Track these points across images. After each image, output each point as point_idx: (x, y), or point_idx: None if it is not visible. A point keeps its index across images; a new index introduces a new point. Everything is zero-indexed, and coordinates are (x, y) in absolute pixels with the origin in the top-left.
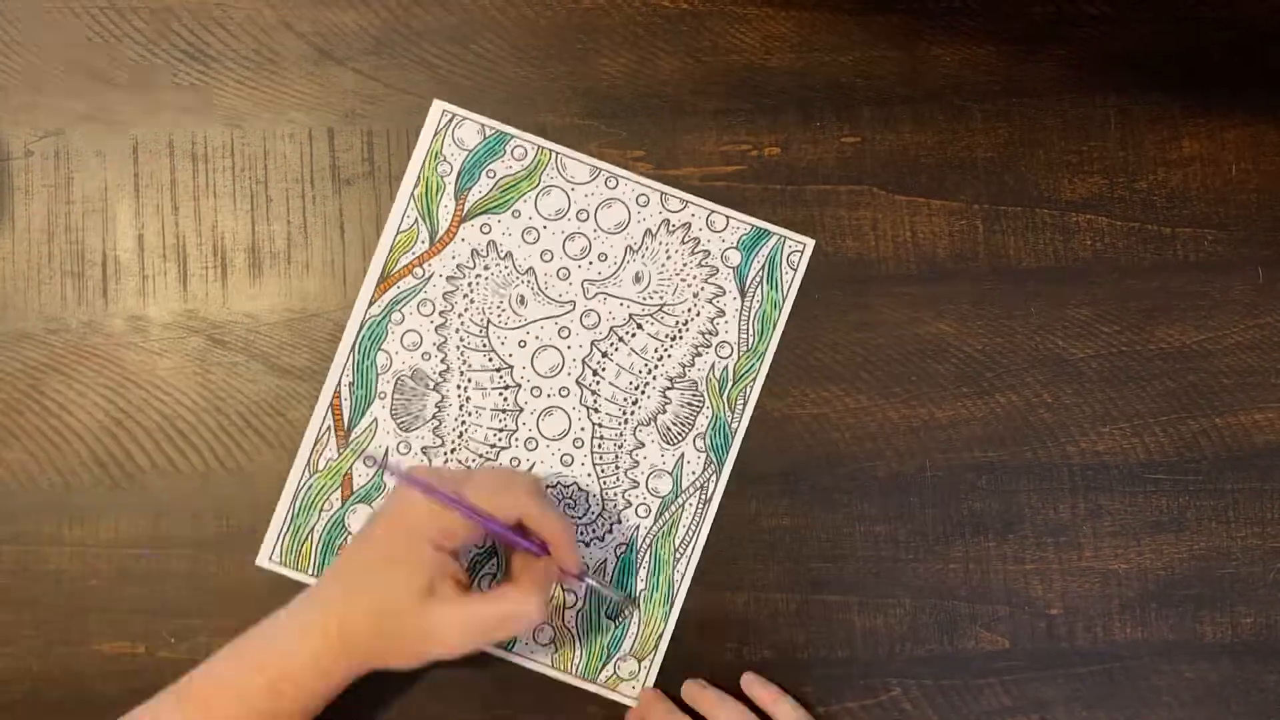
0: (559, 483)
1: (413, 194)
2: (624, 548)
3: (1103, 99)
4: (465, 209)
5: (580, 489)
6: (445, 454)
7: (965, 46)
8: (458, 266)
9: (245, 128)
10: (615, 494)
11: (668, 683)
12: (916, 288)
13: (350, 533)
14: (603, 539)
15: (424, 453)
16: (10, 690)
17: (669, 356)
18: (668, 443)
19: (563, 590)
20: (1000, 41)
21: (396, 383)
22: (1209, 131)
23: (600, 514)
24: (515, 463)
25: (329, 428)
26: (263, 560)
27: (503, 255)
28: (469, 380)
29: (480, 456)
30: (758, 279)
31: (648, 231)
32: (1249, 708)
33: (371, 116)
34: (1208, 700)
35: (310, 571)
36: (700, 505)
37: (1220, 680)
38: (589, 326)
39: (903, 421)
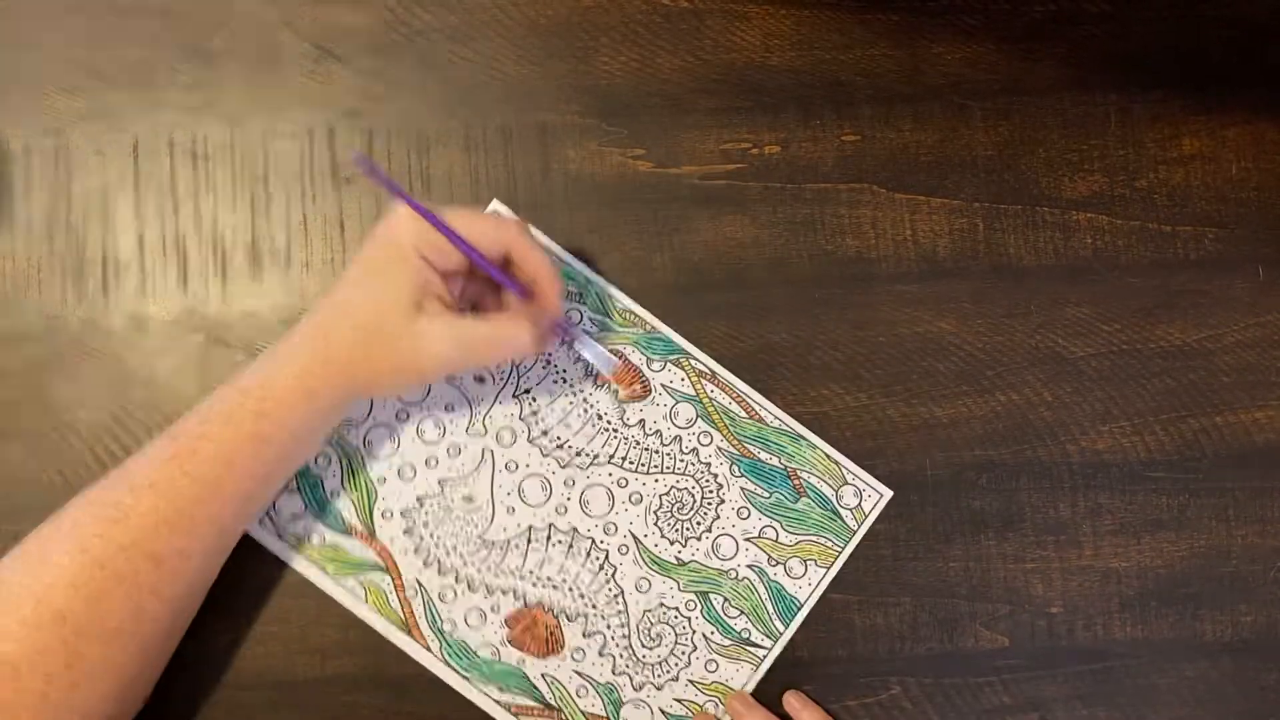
0: (664, 503)
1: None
2: (751, 570)
3: (1103, 97)
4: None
5: (690, 495)
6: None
7: (966, 45)
8: (416, 581)
9: (245, 126)
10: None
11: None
12: (916, 286)
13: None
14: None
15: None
16: None
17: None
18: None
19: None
20: (1000, 40)
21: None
22: (1209, 130)
23: (714, 521)
24: (582, 648)
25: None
26: None
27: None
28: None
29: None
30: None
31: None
32: (1249, 706)
33: (372, 115)
34: (1208, 699)
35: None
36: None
37: (1220, 679)
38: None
39: (903, 420)
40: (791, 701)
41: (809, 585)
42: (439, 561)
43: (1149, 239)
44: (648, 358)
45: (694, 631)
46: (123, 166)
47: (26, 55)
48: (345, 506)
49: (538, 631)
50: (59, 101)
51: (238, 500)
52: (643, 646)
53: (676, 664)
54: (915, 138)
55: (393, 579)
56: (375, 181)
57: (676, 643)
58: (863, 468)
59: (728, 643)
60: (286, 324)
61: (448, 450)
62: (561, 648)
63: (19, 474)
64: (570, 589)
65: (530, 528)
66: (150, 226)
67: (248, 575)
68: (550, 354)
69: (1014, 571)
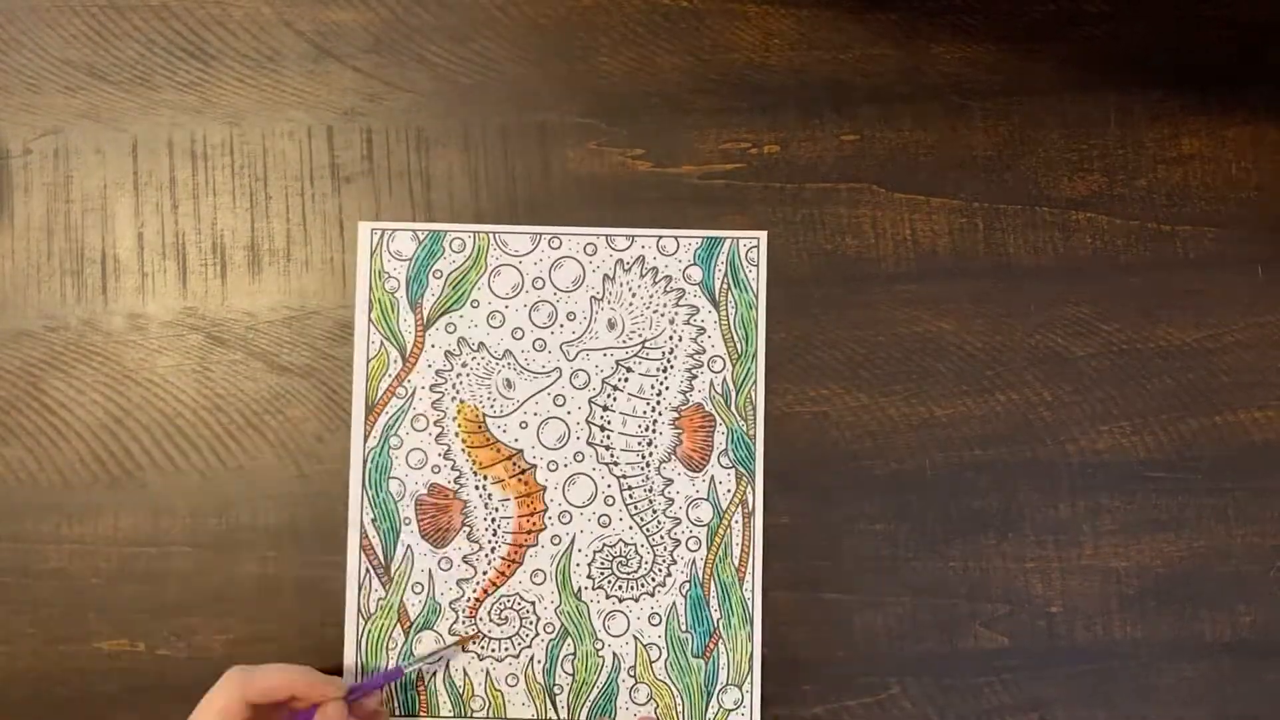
0: (604, 545)
1: (370, 319)
2: (688, 585)
3: (1103, 97)
4: (425, 316)
5: (626, 544)
6: (486, 555)
7: (965, 44)
8: (436, 373)
9: (244, 126)
10: (662, 537)
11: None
12: (916, 286)
13: (418, 657)
14: (664, 584)
15: (465, 561)
16: (10, 689)
17: (667, 388)
18: (694, 470)
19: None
20: (1000, 39)
21: (417, 504)
22: (1209, 129)
23: (654, 562)
24: (556, 540)
25: (367, 570)
26: None
27: (475, 348)
28: (485, 478)
29: (521, 547)
30: (725, 285)
31: (605, 277)
32: (1249, 706)
33: (371, 114)
34: (1207, 698)
35: (399, 712)
36: (745, 518)
37: (1220, 678)
38: (580, 387)
39: (902, 420)
40: None
41: None
42: None
43: (1149, 239)
44: None
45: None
46: (122, 166)
47: (26, 55)
48: None
49: None
50: (59, 101)
51: None
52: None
53: None
54: (915, 137)
55: None
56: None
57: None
58: (863, 468)
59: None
60: (285, 322)
61: None
62: None
63: (19, 474)
64: None
65: None
66: (149, 226)
67: (248, 575)
68: None
69: (1014, 571)
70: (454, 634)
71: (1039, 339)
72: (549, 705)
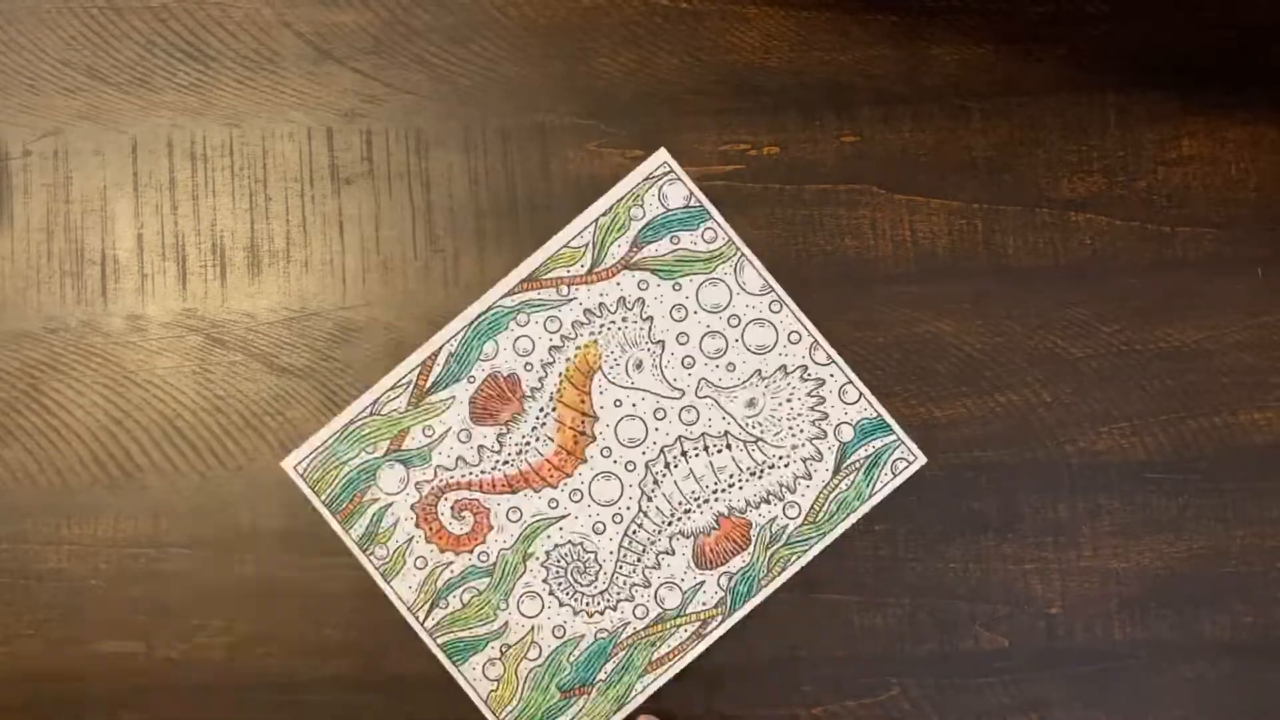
0: (581, 546)
1: (597, 219)
2: (605, 634)
3: (1102, 98)
4: (635, 258)
5: (597, 560)
6: (497, 461)
7: (964, 45)
8: (600, 305)
9: (244, 127)
10: (624, 584)
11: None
12: (916, 287)
13: (377, 484)
14: (591, 616)
15: (479, 451)
16: (10, 690)
17: (740, 488)
18: (696, 565)
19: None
20: (999, 40)
21: (489, 375)
22: (1209, 130)
23: (602, 592)
24: (554, 504)
25: (410, 382)
26: (288, 464)
27: (645, 316)
28: (553, 410)
29: (526, 482)
30: (856, 466)
31: (783, 367)
32: (1248, 707)
33: (371, 116)
34: (1207, 699)
35: (324, 499)
36: (693, 637)
37: (1220, 679)
38: (685, 422)
39: (902, 420)
40: None
41: None
42: None
43: (1148, 239)
44: None
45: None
46: (122, 167)
47: (26, 55)
48: None
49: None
50: (58, 101)
51: None
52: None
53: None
54: (914, 138)
55: None
56: None
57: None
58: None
59: None
60: (285, 323)
61: None
62: None
63: (18, 474)
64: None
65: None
66: (149, 227)
67: (248, 576)
68: None
69: (1013, 572)
70: (417, 491)
71: (1039, 340)
72: (426, 608)
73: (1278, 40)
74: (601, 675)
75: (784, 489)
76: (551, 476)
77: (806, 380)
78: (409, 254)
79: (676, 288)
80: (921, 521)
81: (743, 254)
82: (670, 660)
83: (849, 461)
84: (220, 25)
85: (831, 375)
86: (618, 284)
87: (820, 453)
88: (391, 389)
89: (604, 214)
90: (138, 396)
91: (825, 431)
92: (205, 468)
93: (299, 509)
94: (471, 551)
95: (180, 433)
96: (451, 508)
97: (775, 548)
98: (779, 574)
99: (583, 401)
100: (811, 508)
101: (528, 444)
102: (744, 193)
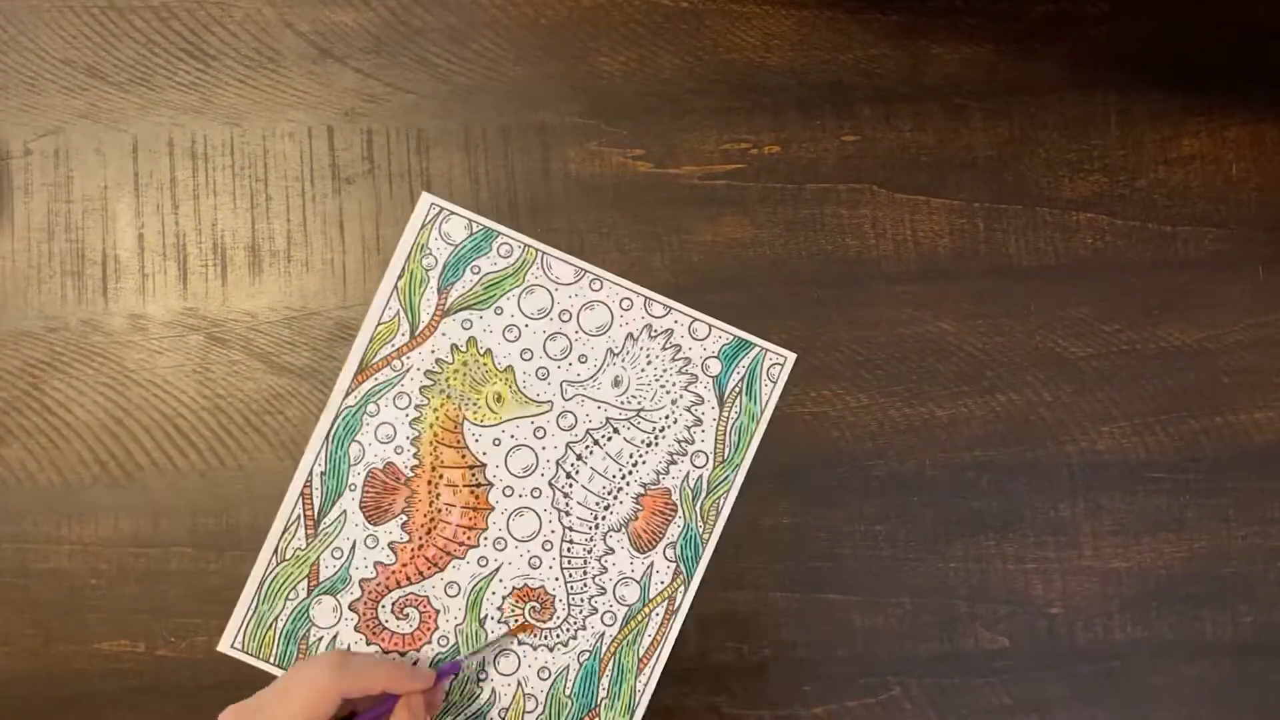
0: (526, 584)
1: (396, 285)
2: (588, 655)
3: (1103, 97)
4: (447, 303)
5: (547, 593)
6: (413, 549)
7: (965, 45)
8: (436, 361)
9: (245, 126)
10: (582, 600)
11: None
12: (916, 286)
13: (314, 623)
14: (566, 644)
15: (391, 548)
16: (10, 689)
17: (644, 463)
18: (637, 550)
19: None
20: (1000, 40)
21: (367, 475)
22: (1209, 130)
23: (565, 619)
24: (483, 562)
25: (299, 516)
26: (224, 646)
27: (482, 352)
28: (440, 476)
29: (448, 555)
30: (737, 389)
31: (629, 335)
32: (1250, 707)
33: (371, 115)
34: (1208, 699)
35: (272, 660)
36: (666, 616)
37: (1221, 679)
38: (565, 428)
39: (903, 420)
40: None
41: None
42: None
43: (1149, 239)
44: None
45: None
46: (122, 166)
47: (26, 54)
48: None
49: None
50: (59, 100)
51: None
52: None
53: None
54: (915, 138)
55: None
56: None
57: None
58: (863, 468)
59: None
60: (285, 323)
61: None
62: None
63: (18, 474)
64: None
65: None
66: (150, 227)
67: (248, 575)
68: None
69: (1014, 572)
70: (354, 612)
71: (1039, 339)
72: None
73: (1278, 40)
74: (602, 693)
75: (683, 444)
76: (469, 538)
77: (655, 336)
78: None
79: (499, 312)
80: (922, 521)
81: (542, 252)
82: (657, 648)
83: (728, 390)
84: (221, 24)
85: (676, 322)
86: (443, 334)
87: (700, 396)
88: (284, 533)
89: (400, 277)
90: (138, 396)
91: (694, 375)
92: (205, 467)
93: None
94: (431, 641)
95: (180, 432)
96: (392, 612)
97: (701, 499)
98: (715, 521)
99: (464, 456)
100: (715, 449)
101: (433, 520)
102: (745, 192)
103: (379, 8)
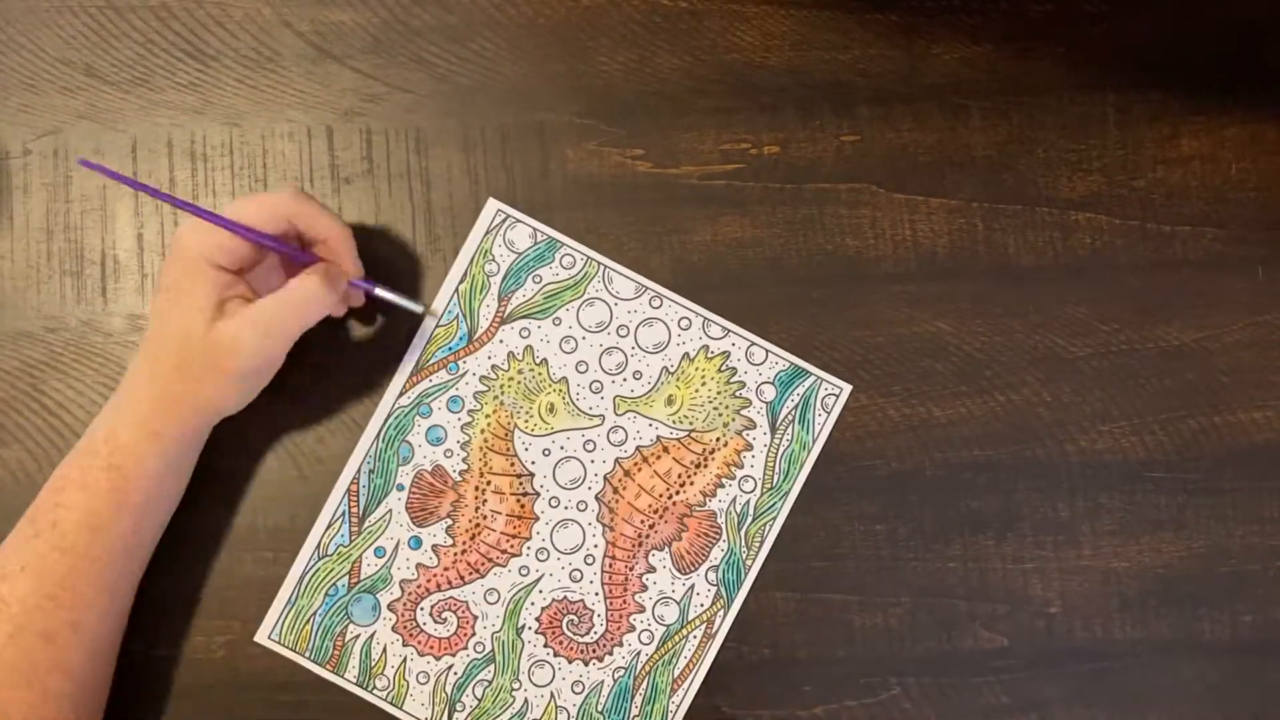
0: (565, 597)
1: (457, 289)
2: (622, 671)
3: (1102, 97)
4: (507, 311)
5: (586, 607)
6: (455, 554)
7: (964, 45)
8: (492, 367)
9: (244, 126)
10: (620, 617)
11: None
12: (915, 286)
13: (351, 620)
14: (602, 660)
15: (434, 550)
16: None
17: (692, 484)
18: (679, 571)
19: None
20: (999, 40)
21: (415, 476)
22: (1208, 130)
23: (603, 635)
24: (524, 572)
25: (344, 513)
26: (261, 637)
27: (538, 361)
28: (488, 483)
29: (490, 561)
30: (790, 417)
31: (685, 355)
32: (1249, 706)
33: (370, 115)
34: (1207, 699)
35: (309, 655)
36: (704, 639)
37: (1220, 679)
38: (615, 443)
39: (902, 420)
40: None
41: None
42: None
43: (1148, 239)
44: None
45: None
46: (121, 166)
47: (25, 55)
48: None
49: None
50: (58, 101)
51: (115, 558)
52: None
53: None
54: (914, 138)
55: None
56: (108, 176)
57: None
58: (863, 468)
59: None
60: None
61: None
62: None
63: (18, 474)
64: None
65: None
66: (149, 227)
67: (248, 575)
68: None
69: (1013, 572)
70: (392, 612)
71: (1039, 339)
72: (445, 715)
73: (1277, 40)
74: (634, 711)
75: (732, 468)
76: (512, 546)
77: (712, 358)
78: (409, 253)
79: (557, 322)
80: (921, 521)
81: (605, 266)
82: (692, 670)
83: (781, 416)
84: (220, 24)
85: (734, 345)
86: (500, 341)
87: (752, 420)
88: (328, 527)
89: (461, 281)
90: None
91: (748, 398)
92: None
93: (298, 510)
94: (467, 647)
95: None
96: (430, 614)
97: (746, 525)
98: (759, 547)
99: (512, 465)
100: (764, 474)
101: (477, 525)
102: (744, 192)
103: (378, 8)
